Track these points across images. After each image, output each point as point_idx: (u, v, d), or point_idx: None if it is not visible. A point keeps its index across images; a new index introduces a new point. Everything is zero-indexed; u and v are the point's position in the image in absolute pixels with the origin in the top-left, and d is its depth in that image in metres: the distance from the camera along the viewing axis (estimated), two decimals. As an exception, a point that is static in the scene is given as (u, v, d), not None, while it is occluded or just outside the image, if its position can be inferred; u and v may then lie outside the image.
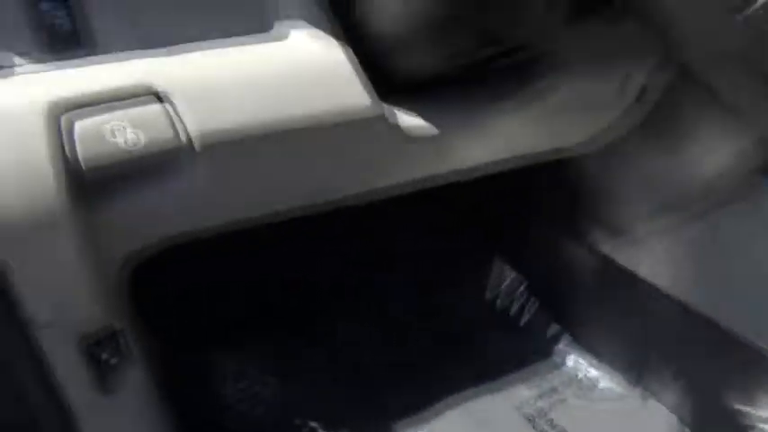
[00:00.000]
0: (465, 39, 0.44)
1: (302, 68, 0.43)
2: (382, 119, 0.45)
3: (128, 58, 0.42)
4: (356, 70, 0.44)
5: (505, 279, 0.74)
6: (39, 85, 0.38)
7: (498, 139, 0.52)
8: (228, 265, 0.65)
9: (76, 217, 0.39)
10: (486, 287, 0.74)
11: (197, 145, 0.41)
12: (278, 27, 0.45)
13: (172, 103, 0.41)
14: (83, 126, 0.40)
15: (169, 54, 0.42)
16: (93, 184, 0.39)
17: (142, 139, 0.41)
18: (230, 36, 0.44)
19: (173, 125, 0.41)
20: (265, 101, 0.42)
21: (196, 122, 0.40)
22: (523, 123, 0.50)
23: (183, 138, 0.41)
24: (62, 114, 0.39)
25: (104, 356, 0.42)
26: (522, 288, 0.73)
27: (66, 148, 0.37)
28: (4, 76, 0.38)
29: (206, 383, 0.64)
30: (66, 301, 0.38)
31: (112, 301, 0.41)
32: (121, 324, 0.41)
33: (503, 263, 0.74)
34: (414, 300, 0.72)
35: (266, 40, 0.44)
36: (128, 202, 0.42)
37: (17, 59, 0.38)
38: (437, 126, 0.47)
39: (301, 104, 0.43)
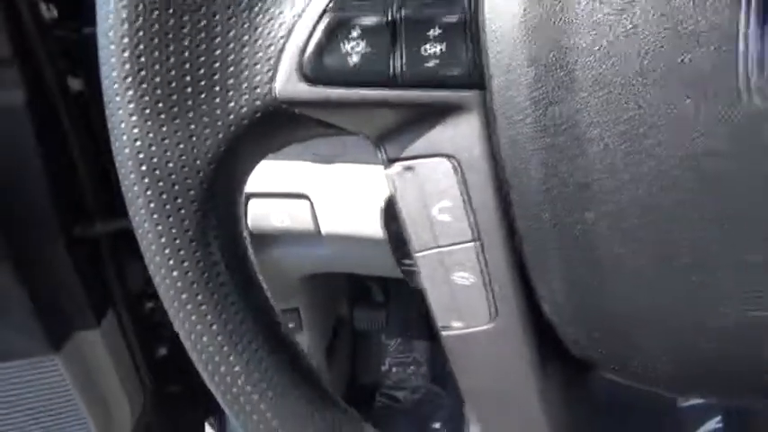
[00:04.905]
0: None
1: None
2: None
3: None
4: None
5: None
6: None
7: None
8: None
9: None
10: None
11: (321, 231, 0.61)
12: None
13: (313, 203, 0.60)
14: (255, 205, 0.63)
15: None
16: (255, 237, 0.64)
17: (287, 222, 0.62)
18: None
19: (312, 217, 0.61)
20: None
21: (324, 219, 0.59)
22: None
23: (314, 226, 0.61)
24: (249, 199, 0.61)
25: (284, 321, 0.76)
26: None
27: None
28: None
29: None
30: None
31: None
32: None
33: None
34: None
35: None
36: (282, 251, 0.67)
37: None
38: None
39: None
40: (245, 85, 0.21)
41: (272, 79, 0.21)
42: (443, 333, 0.25)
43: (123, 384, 0.86)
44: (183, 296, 0.23)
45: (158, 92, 0.21)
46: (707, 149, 0.19)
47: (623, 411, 0.89)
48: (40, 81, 0.70)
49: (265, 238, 0.65)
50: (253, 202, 0.61)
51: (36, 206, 0.72)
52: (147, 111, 0.21)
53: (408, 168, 0.23)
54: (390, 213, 0.34)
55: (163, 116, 0.21)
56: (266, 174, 0.61)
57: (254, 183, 0.61)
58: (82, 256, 0.78)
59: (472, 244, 0.23)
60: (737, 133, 0.19)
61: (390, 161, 0.23)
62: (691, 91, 0.19)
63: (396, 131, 0.23)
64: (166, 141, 0.21)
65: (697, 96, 0.19)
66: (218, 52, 0.21)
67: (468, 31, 0.21)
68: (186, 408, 0.95)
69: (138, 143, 0.21)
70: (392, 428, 0.97)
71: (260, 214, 0.61)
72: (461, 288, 0.23)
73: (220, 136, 0.22)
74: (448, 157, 0.22)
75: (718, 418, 0.88)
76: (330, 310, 0.90)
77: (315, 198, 0.58)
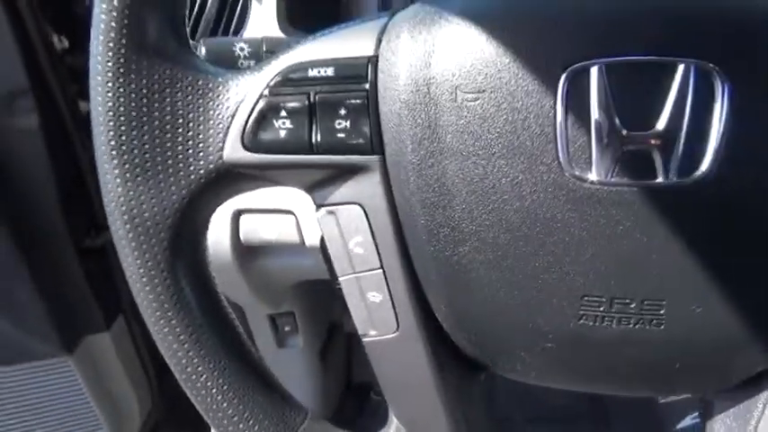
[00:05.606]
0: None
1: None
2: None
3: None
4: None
5: None
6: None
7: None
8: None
9: (241, 265, 0.71)
10: None
11: (306, 243, 0.68)
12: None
13: (298, 219, 0.67)
14: (246, 220, 0.70)
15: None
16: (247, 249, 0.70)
17: (275, 235, 0.69)
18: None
19: (298, 231, 0.68)
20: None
21: (308, 233, 0.67)
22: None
23: (299, 239, 0.68)
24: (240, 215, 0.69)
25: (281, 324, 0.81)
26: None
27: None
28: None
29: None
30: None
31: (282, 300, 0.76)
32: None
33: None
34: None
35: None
36: (271, 261, 0.74)
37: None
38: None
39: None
40: (201, 153, 0.29)
41: (221, 148, 0.29)
42: (363, 339, 0.32)
43: (132, 384, 0.93)
44: (158, 314, 0.30)
45: (136, 160, 0.28)
46: (534, 204, 0.26)
47: (605, 409, 0.96)
48: (52, 106, 0.78)
49: (256, 250, 0.73)
50: (244, 218, 0.68)
51: (50, 219, 0.80)
52: (128, 174, 0.28)
53: (330, 212, 0.30)
54: (324, 246, 0.41)
55: (139, 178, 0.28)
56: (257, 193, 0.68)
57: (245, 200, 0.69)
58: (93, 265, 0.85)
59: (379, 270, 0.30)
60: (557, 192, 0.26)
61: (318, 207, 0.31)
62: (522, 160, 0.26)
63: (319, 185, 0.30)
64: (142, 197, 0.29)
65: (527, 165, 0.26)
66: (180, 130, 0.28)
67: (368, 111, 0.28)
68: (193, 407, 1.03)
69: (122, 198, 0.29)
70: (385, 422, 1.04)
71: (251, 228, 0.68)
72: (373, 305, 0.31)
73: (183, 192, 0.29)
74: (358, 204, 0.30)
75: (696, 414, 0.94)
76: (323, 313, 0.98)
77: (299, 214, 0.65)
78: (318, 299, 0.92)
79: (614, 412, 0.95)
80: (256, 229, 0.69)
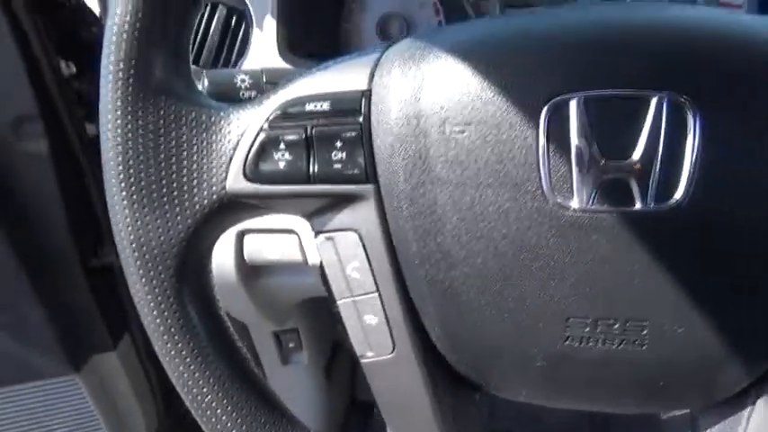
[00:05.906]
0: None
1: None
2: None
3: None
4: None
5: None
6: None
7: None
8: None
9: (245, 284, 0.73)
10: None
11: (309, 262, 0.69)
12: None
13: (300, 238, 0.69)
14: (250, 240, 0.71)
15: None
16: (251, 268, 0.72)
17: (278, 255, 0.71)
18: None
19: (300, 250, 0.69)
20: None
21: (311, 252, 0.68)
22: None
23: (302, 258, 0.69)
24: (244, 235, 0.70)
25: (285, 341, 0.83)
26: None
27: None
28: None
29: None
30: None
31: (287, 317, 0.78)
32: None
33: None
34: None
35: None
36: (275, 280, 0.75)
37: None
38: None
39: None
40: (205, 184, 0.30)
41: (224, 180, 0.30)
42: (361, 360, 0.34)
43: (139, 402, 0.95)
44: (165, 337, 0.31)
45: (143, 192, 0.30)
46: (520, 231, 0.28)
47: (606, 427, 0.96)
48: (60, 130, 0.80)
49: (260, 269, 0.74)
50: (248, 238, 0.70)
51: (57, 240, 0.82)
52: (135, 205, 0.30)
53: (329, 239, 0.32)
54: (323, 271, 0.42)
55: (146, 209, 0.30)
56: (260, 213, 0.70)
57: (249, 221, 0.70)
58: (99, 285, 0.87)
59: (375, 294, 0.32)
60: (541, 219, 0.27)
61: (316, 233, 0.32)
62: (508, 189, 0.27)
63: (317, 213, 0.32)
64: (149, 226, 0.30)
65: (512, 194, 0.27)
66: (184, 163, 0.30)
67: (363, 143, 0.30)
68: (198, 426, 1.04)
69: (130, 228, 0.30)
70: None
71: (255, 248, 0.70)
72: (370, 327, 0.32)
73: (189, 221, 0.30)
74: (355, 231, 0.31)
75: (697, 430, 0.94)
76: (328, 330, 0.99)
77: (302, 233, 0.67)
78: (322, 316, 0.93)
79: (615, 430, 0.95)
80: (260, 249, 0.71)
